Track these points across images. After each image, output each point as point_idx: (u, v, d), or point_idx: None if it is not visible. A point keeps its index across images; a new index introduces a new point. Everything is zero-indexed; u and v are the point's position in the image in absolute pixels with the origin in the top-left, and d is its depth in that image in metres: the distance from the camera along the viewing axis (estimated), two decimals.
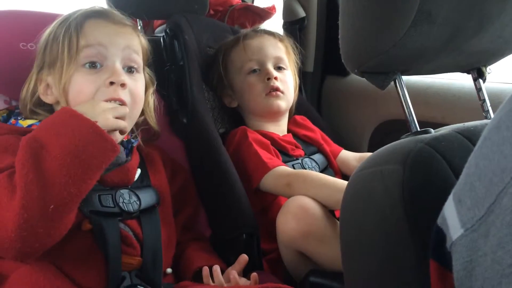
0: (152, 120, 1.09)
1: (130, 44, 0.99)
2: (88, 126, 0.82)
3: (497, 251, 0.39)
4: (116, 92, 0.93)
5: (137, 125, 1.05)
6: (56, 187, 0.77)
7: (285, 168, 1.21)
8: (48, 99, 0.97)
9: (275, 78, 1.33)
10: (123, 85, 0.94)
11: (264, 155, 1.22)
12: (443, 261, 0.48)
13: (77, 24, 0.95)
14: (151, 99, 1.09)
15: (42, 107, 0.98)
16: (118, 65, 0.95)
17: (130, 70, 0.98)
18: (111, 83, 0.93)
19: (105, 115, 0.87)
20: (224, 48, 1.39)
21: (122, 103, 0.93)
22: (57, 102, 0.96)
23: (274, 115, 1.36)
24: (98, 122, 0.84)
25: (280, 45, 1.40)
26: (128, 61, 0.98)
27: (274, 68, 1.35)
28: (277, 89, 1.32)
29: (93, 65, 0.94)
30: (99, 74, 0.94)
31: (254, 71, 1.35)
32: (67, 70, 0.93)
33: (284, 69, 1.37)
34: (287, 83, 1.36)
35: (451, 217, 0.46)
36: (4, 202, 0.78)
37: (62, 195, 0.78)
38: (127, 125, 0.94)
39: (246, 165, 1.22)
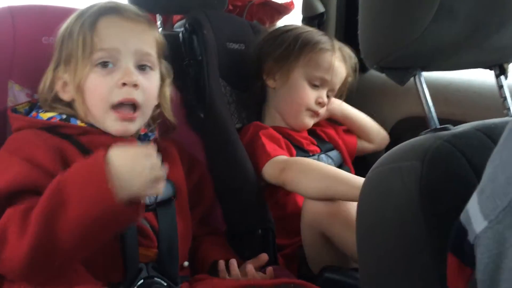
0: (168, 112, 1.09)
1: (144, 42, 0.99)
2: (111, 205, 0.76)
3: None
4: (129, 92, 0.94)
5: (153, 118, 1.06)
6: (65, 246, 0.77)
7: (284, 156, 1.21)
8: (65, 96, 0.98)
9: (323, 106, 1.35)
10: (135, 85, 0.94)
11: (269, 145, 1.22)
12: (462, 257, 0.48)
13: (91, 22, 0.95)
14: (167, 90, 1.09)
15: (61, 103, 0.99)
16: (131, 65, 0.96)
17: (143, 68, 0.99)
18: (124, 84, 0.94)
19: (143, 177, 0.79)
20: (308, 47, 1.34)
21: (135, 103, 0.95)
22: (74, 100, 0.97)
23: (301, 129, 1.38)
24: (134, 186, 0.77)
25: (342, 72, 1.36)
26: (141, 59, 0.98)
27: None
28: (318, 114, 1.35)
29: (105, 64, 0.95)
30: (112, 75, 0.94)
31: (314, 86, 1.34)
32: (81, 69, 0.94)
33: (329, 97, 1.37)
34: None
35: (474, 210, 0.45)
36: (13, 239, 0.78)
37: (68, 255, 0.79)
38: (163, 187, 0.85)
39: (253, 157, 1.23)
